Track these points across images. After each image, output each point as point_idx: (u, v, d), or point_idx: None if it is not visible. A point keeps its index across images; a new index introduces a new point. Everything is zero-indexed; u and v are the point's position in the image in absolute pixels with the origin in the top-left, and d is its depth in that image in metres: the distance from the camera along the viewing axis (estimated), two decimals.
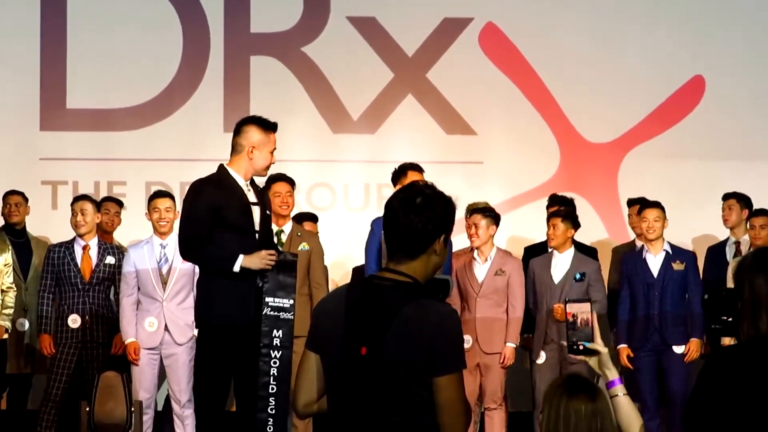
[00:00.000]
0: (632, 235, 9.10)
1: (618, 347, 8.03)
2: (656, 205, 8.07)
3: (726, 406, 3.17)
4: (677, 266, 7.97)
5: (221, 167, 6.15)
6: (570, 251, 8.11)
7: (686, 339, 7.92)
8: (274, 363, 6.10)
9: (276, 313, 6.05)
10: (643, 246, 8.10)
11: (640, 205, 8.60)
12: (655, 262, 8.02)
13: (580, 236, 8.53)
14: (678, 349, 7.91)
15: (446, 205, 3.36)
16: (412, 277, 3.33)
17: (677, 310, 7.90)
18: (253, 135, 6.10)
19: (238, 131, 6.14)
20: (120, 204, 8.88)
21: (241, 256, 5.93)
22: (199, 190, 6.08)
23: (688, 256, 8.09)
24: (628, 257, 8.27)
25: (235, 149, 6.13)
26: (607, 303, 8.12)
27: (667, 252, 8.02)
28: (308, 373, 3.43)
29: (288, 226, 8.03)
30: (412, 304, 3.27)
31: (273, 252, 6.04)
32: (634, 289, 8.01)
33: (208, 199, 6.01)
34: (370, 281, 3.39)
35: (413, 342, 3.24)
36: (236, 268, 5.93)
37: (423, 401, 3.27)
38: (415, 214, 3.31)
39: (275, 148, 6.17)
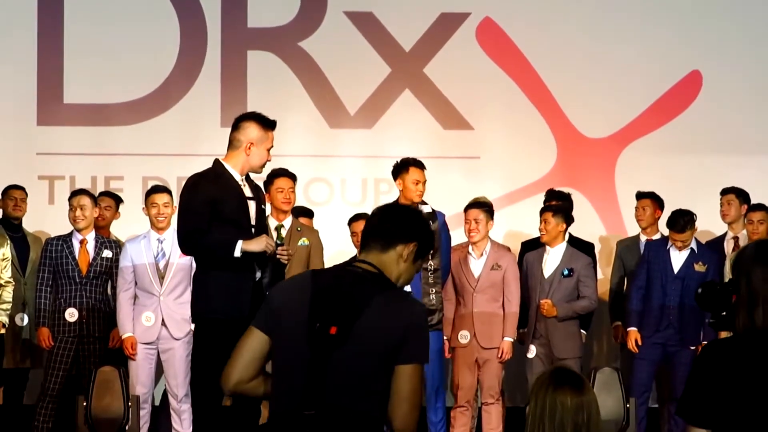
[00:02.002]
0: (634, 230, 9.06)
1: (628, 329, 8.03)
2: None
3: (721, 398, 3.17)
4: (699, 267, 7.93)
5: (217, 162, 6.14)
6: (562, 246, 8.09)
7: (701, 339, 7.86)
8: None
9: None
10: (668, 237, 8.08)
11: (650, 199, 8.64)
12: (678, 257, 7.99)
13: (577, 231, 8.53)
14: (694, 348, 7.85)
15: (416, 216, 3.56)
16: (378, 269, 3.42)
17: (695, 308, 7.77)
18: (251, 131, 6.08)
19: (236, 126, 6.12)
20: (115, 198, 8.85)
21: (240, 241, 5.93)
22: (195, 184, 6.07)
23: (712, 259, 8.05)
24: (653, 244, 8.25)
25: (232, 144, 6.12)
26: (612, 295, 8.06)
27: (692, 250, 7.99)
28: (249, 352, 3.47)
29: (288, 221, 8.03)
30: (387, 293, 3.38)
31: (272, 238, 6.09)
32: (652, 278, 7.98)
33: (205, 193, 6.00)
34: (343, 266, 3.48)
35: (385, 327, 3.32)
36: (237, 252, 5.92)
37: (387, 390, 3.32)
38: (386, 213, 3.58)
39: (272, 146, 6.17)
